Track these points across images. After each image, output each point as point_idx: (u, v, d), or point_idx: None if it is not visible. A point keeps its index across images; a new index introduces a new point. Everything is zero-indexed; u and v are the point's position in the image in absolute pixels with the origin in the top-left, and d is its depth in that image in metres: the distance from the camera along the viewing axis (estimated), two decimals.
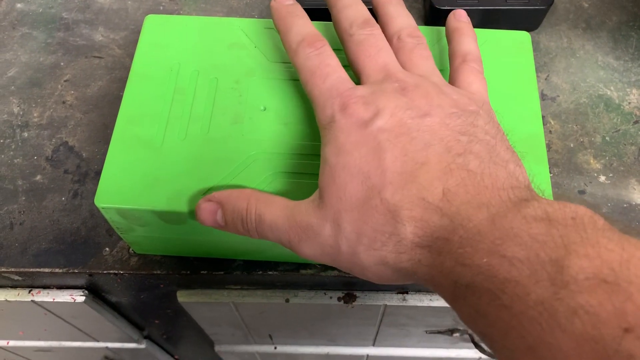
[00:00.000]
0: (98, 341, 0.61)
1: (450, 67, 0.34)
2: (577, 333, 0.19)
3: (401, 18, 0.34)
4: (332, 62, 0.31)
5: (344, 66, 0.31)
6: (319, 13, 0.45)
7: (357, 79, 0.32)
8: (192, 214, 0.32)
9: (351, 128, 0.28)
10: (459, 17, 0.36)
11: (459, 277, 0.24)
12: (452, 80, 0.33)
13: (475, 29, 0.38)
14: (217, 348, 0.63)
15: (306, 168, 0.33)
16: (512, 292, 0.22)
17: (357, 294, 0.43)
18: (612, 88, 0.46)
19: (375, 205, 0.26)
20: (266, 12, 0.50)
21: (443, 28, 0.38)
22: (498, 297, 0.22)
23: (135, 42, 0.38)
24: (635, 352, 0.18)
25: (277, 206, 0.29)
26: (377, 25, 0.33)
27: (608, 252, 0.21)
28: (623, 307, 0.19)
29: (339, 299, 0.42)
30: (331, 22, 0.38)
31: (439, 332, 0.52)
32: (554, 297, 0.20)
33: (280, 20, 0.34)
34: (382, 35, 0.33)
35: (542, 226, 0.23)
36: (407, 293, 0.43)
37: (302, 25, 0.33)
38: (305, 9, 0.45)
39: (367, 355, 0.63)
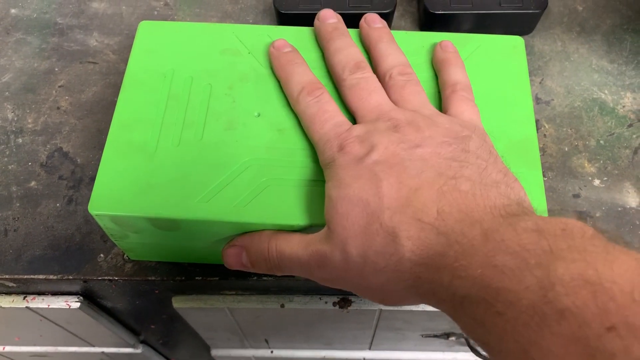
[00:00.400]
0: (94, 346, 0.60)
1: (442, 96, 0.35)
2: (564, 334, 0.20)
3: (392, 56, 0.36)
4: (330, 108, 0.33)
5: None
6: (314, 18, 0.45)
7: (352, 119, 0.34)
8: (186, 220, 0.32)
9: (349, 164, 0.30)
10: (446, 48, 0.37)
11: (456, 289, 0.25)
12: (444, 110, 0.34)
13: (469, 34, 0.38)
14: (213, 352, 0.63)
15: (300, 174, 0.33)
16: (505, 299, 0.23)
17: (352, 298, 0.43)
18: (606, 91, 0.46)
19: (376, 230, 0.28)
20: (260, 16, 0.50)
21: (437, 34, 0.38)
22: (492, 305, 0.23)
23: (129, 47, 0.38)
24: (617, 350, 0.19)
25: (295, 240, 0.31)
26: (369, 67, 0.35)
27: (593, 255, 0.22)
28: (606, 307, 0.20)
29: (334, 304, 0.42)
30: None
31: (435, 336, 0.52)
32: (542, 300, 0.21)
33: (280, 68, 0.36)
34: (374, 76, 0.35)
35: (532, 236, 0.24)
36: None
37: (301, 74, 0.35)
38: (300, 14, 0.45)
39: (364, 359, 0.63)
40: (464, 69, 0.36)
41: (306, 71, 0.35)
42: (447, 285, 0.25)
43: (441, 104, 0.35)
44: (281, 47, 0.36)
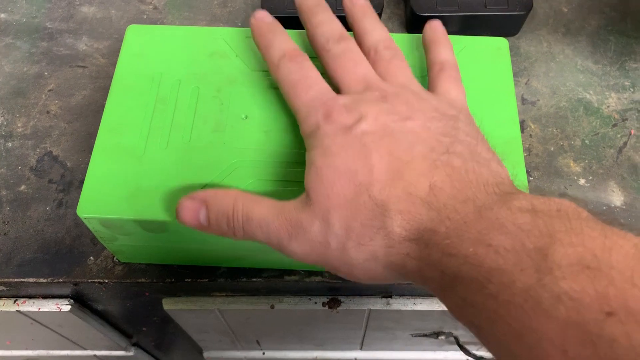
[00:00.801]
0: (86, 349, 0.61)
1: (428, 76, 0.34)
2: (561, 319, 0.20)
3: (376, 32, 0.35)
4: (314, 75, 0.32)
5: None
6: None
7: (337, 91, 0.32)
8: (174, 223, 0.32)
9: (336, 133, 0.29)
10: (435, 28, 0.36)
11: (446, 267, 0.24)
12: (431, 88, 0.34)
13: (454, 36, 0.38)
14: (205, 354, 0.64)
15: (288, 176, 0.33)
16: (498, 280, 0.22)
17: (342, 299, 0.43)
18: (591, 92, 0.46)
19: (364, 202, 0.27)
20: (249, 19, 0.50)
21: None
22: (485, 286, 0.23)
23: (119, 51, 0.38)
24: (617, 335, 0.19)
25: (265, 205, 0.29)
26: (353, 40, 0.34)
27: (591, 239, 0.21)
28: (605, 292, 0.20)
29: (323, 304, 0.43)
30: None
31: (425, 335, 0.52)
32: (538, 284, 0.21)
33: (260, 36, 0.35)
34: (359, 48, 0.33)
35: (527, 216, 0.23)
36: (391, 297, 0.43)
37: (283, 41, 0.34)
38: (285, 17, 0.45)
39: (355, 359, 0.63)
40: (452, 49, 0.35)
41: (288, 39, 0.34)
42: (436, 263, 0.25)
43: (427, 86, 0.34)
44: (262, 17, 0.35)
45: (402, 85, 0.32)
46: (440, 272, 0.25)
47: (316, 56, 0.34)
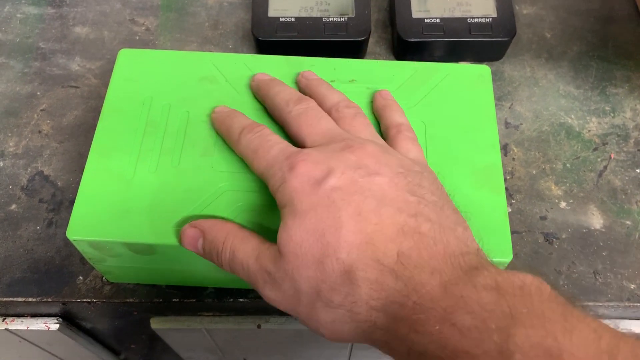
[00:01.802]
0: None
1: (387, 139, 0.35)
2: None
3: (335, 94, 0.36)
4: (274, 138, 0.32)
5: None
6: (293, 45, 0.47)
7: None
8: (162, 245, 0.32)
9: (304, 188, 0.29)
10: (385, 97, 0.37)
11: (413, 344, 0.25)
12: None
13: (437, 63, 0.39)
14: None
15: (275, 201, 0.34)
16: None
17: None
18: (572, 116, 0.48)
19: (332, 265, 0.27)
20: (240, 42, 0.51)
21: (412, 63, 0.39)
22: None
23: (111, 72, 0.39)
24: None
25: (250, 246, 0.30)
26: (313, 100, 0.35)
27: (552, 323, 0.22)
28: None
29: None
30: (294, 57, 0.39)
31: None
32: None
33: (221, 124, 0.36)
34: (319, 107, 0.34)
35: (491, 295, 0.24)
36: None
37: (241, 120, 0.35)
38: (275, 41, 0.46)
39: None
40: (404, 114, 0.36)
41: (246, 118, 0.35)
42: (404, 338, 0.25)
43: None
44: (221, 110, 0.36)
45: (366, 139, 0.32)
46: (408, 347, 0.25)
47: (279, 123, 0.36)
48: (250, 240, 0.31)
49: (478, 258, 0.27)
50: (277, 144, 0.32)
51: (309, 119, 0.33)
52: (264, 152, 0.32)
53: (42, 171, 0.44)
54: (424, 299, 0.25)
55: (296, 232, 0.28)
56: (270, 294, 0.29)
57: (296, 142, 0.33)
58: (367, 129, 0.34)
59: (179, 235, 0.32)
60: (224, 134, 0.35)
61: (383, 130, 0.36)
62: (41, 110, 0.47)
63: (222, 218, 0.33)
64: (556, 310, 0.23)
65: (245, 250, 0.30)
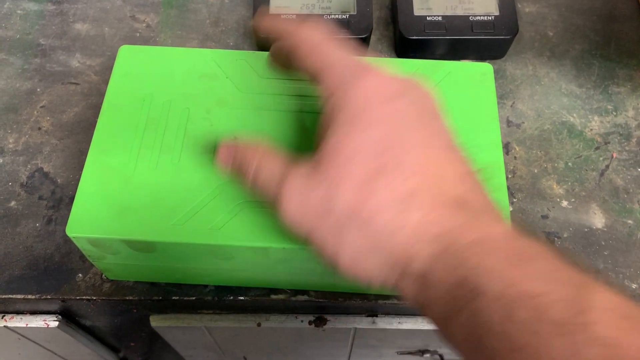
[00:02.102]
0: None
1: None
2: None
3: None
4: (341, 43, 0.30)
5: None
6: None
7: None
8: (162, 243, 0.32)
9: (372, 98, 0.26)
10: None
11: (464, 278, 0.22)
12: None
13: (440, 61, 0.39)
14: None
15: None
16: (530, 304, 0.21)
17: (328, 317, 0.44)
18: (574, 115, 0.47)
19: (387, 183, 0.25)
20: (241, 39, 0.51)
21: (414, 61, 0.39)
22: (512, 310, 0.21)
23: (111, 69, 0.39)
24: None
25: (277, 162, 0.28)
26: None
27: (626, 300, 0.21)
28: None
29: (310, 322, 0.43)
30: None
31: (410, 353, 0.53)
32: (573, 322, 0.20)
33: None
34: None
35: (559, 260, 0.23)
36: (376, 316, 0.44)
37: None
38: None
39: None
40: None
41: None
42: (452, 269, 0.23)
43: None
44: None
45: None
46: (457, 281, 0.22)
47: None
48: (277, 157, 0.29)
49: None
50: (343, 47, 0.29)
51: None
52: (327, 47, 0.29)
53: (41, 168, 0.44)
54: (488, 239, 0.23)
55: (353, 140, 0.25)
56: (290, 210, 0.26)
57: None
58: None
59: (217, 152, 0.31)
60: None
61: None
62: (41, 106, 0.47)
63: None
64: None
65: (271, 168, 0.28)
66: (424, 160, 0.25)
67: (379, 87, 0.27)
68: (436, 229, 0.24)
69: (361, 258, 0.25)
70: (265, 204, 0.33)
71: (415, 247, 0.24)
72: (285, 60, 0.32)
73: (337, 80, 0.27)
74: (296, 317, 0.43)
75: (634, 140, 0.46)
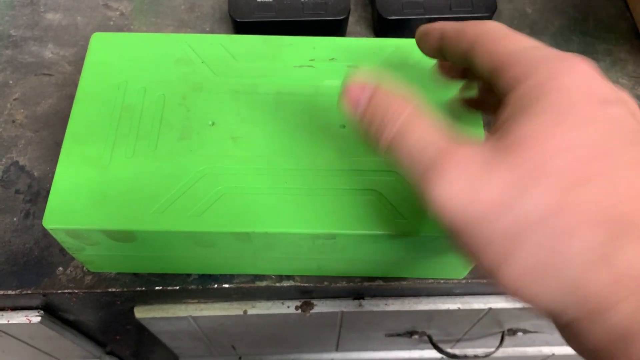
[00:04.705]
0: None
1: None
2: None
3: None
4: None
5: None
6: (272, 26, 0.46)
7: None
8: (142, 232, 0.32)
9: (582, 92, 0.22)
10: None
11: None
12: None
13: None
14: None
15: (254, 181, 0.33)
16: None
17: (314, 301, 0.44)
18: None
19: (593, 197, 0.20)
20: (217, 24, 0.50)
21: (392, 40, 0.39)
22: None
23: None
24: None
25: (433, 128, 0.23)
26: None
27: None
28: None
29: (296, 307, 0.43)
30: (271, 36, 0.38)
31: (398, 335, 0.53)
32: None
33: None
34: None
35: None
36: (363, 299, 0.43)
37: None
38: (253, 22, 0.46)
39: None
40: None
41: None
42: None
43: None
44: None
45: None
46: None
47: None
48: (435, 123, 0.23)
49: None
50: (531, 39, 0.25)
51: None
52: (515, 37, 0.24)
53: (17, 161, 0.43)
54: None
55: (556, 136, 0.20)
56: (452, 191, 0.21)
57: None
58: None
59: (344, 87, 0.25)
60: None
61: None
62: (14, 99, 0.46)
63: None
64: None
65: (424, 128, 0.23)
66: (633, 190, 0.20)
67: (590, 84, 0.22)
68: None
69: (535, 278, 0.20)
70: (247, 190, 0.33)
71: (619, 293, 0.19)
72: (458, 62, 0.28)
73: (530, 68, 0.23)
74: (282, 303, 0.43)
75: None
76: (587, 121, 0.21)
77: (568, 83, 0.22)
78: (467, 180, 0.21)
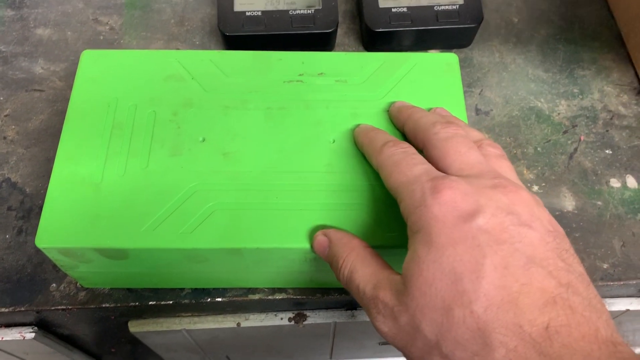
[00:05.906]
0: None
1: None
2: None
3: (475, 131, 0.34)
4: (418, 157, 0.30)
5: None
6: (261, 39, 0.46)
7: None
8: (135, 249, 0.32)
9: (447, 218, 0.26)
10: (443, 112, 0.36)
11: None
12: None
13: (405, 53, 0.39)
14: None
15: (245, 197, 0.33)
16: None
17: (307, 313, 0.44)
18: (542, 100, 0.48)
19: (463, 316, 0.24)
20: (207, 38, 0.51)
21: (380, 54, 0.39)
22: None
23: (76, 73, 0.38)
24: None
25: (370, 270, 0.29)
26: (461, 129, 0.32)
27: None
28: None
29: (289, 319, 0.43)
30: (261, 52, 0.39)
31: None
32: None
33: (365, 135, 0.34)
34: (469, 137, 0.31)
35: None
36: (355, 309, 0.44)
37: (386, 135, 0.34)
38: (242, 36, 0.46)
39: None
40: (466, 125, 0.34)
41: (389, 135, 0.34)
42: None
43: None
44: (365, 125, 0.36)
45: (518, 184, 0.28)
46: None
47: (419, 146, 0.33)
48: (371, 263, 0.29)
49: (630, 353, 0.23)
50: (421, 163, 0.29)
51: (458, 146, 0.30)
52: (406, 167, 0.29)
53: (9, 178, 0.43)
54: None
55: (428, 268, 0.25)
56: (382, 326, 0.27)
57: (438, 167, 0.30)
58: (514, 173, 0.31)
59: (313, 240, 0.32)
60: (366, 144, 0.34)
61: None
62: (5, 115, 0.46)
63: (350, 234, 0.32)
64: None
65: (364, 273, 0.29)
66: (496, 291, 0.24)
67: (455, 207, 0.26)
68: None
69: None
70: (237, 206, 0.33)
71: None
72: None
73: (411, 205, 0.27)
74: (275, 315, 0.43)
75: (600, 122, 0.47)
76: (453, 242, 0.25)
77: (436, 213, 0.26)
78: (389, 317, 0.26)
